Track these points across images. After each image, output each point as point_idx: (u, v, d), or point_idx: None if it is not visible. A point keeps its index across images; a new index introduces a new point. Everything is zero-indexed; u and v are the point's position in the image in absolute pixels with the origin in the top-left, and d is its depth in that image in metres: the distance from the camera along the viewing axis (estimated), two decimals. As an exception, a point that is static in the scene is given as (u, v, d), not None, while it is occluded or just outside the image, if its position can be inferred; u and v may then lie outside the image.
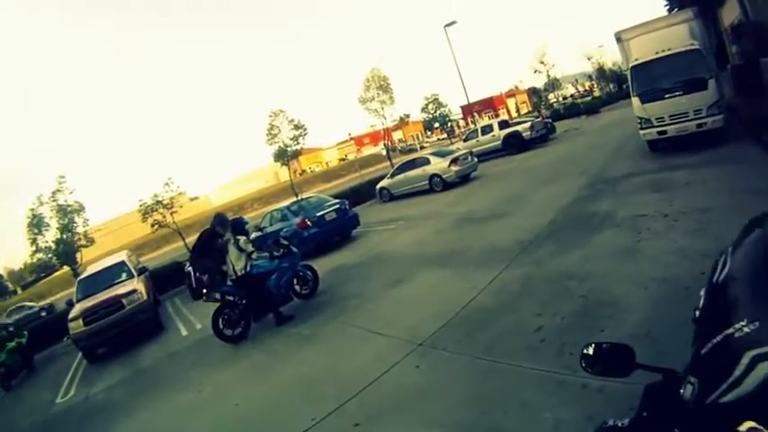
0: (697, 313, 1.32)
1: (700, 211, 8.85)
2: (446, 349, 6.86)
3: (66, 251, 26.55)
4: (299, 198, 20.52)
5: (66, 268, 30.03)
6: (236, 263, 10.66)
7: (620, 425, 1.56)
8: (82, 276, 17.99)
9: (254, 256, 11.04)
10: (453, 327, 7.54)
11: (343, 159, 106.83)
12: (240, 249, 10.69)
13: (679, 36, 15.49)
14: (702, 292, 1.31)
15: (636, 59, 15.62)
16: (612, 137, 23.76)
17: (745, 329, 1.00)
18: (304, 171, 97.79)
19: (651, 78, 14.91)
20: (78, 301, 15.63)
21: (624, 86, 41.91)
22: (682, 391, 1.25)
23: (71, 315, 14.49)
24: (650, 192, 11.36)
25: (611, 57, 73.65)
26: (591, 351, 1.59)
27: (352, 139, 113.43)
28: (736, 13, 21.12)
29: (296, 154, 37.60)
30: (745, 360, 0.97)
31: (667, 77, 14.52)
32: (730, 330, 1.04)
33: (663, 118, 14.55)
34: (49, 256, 27.77)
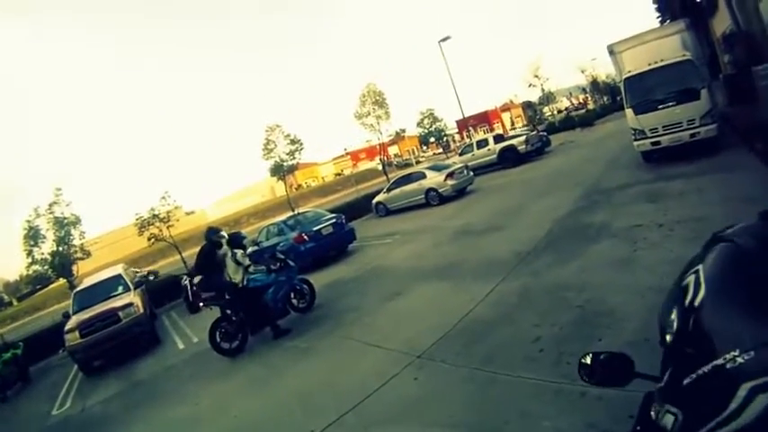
0: (668, 337, 1.27)
1: (695, 221, 8.87)
2: (444, 361, 6.86)
3: (63, 263, 26.52)
4: (296, 213, 20.52)
5: (61, 280, 30.00)
6: (233, 276, 10.68)
7: None
8: (78, 289, 17.89)
9: (251, 269, 11.06)
10: (451, 339, 7.54)
11: (339, 174, 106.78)
12: (237, 263, 10.71)
13: (671, 47, 15.59)
14: (673, 314, 1.26)
15: (629, 71, 15.71)
16: (607, 149, 23.86)
17: (739, 360, 0.97)
18: (300, 186, 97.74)
19: (644, 90, 15.01)
20: (74, 313, 15.56)
21: (618, 98, 42.05)
22: (657, 417, 1.23)
23: (67, 327, 14.42)
24: (645, 202, 11.40)
25: (605, 69, 73.76)
26: (588, 361, 1.58)
27: (348, 153, 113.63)
28: (728, 23, 21.20)
29: (292, 169, 37.61)
30: (743, 392, 0.93)
31: (660, 88, 14.62)
32: (720, 361, 1.00)
33: (656, 129, 14.62)
34: (45, 267, 27.72)
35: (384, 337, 8.60)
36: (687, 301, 1.17)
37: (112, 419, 9.64)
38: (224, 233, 11.09)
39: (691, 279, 1.22)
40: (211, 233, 10.87)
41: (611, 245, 9.32)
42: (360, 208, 30.37)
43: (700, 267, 1.21)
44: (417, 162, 72.95)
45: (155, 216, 25.03)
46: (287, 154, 35.64)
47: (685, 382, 1.08)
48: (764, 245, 1.13)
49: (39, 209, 26.32)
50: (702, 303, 1.12)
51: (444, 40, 41.47)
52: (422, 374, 6.73)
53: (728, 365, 0.97)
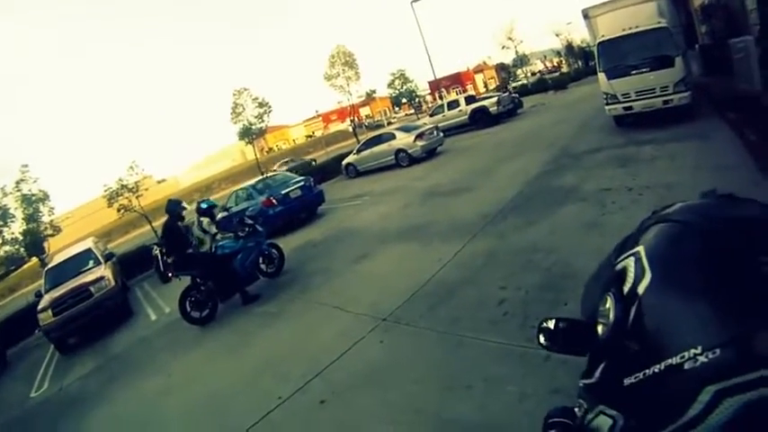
0: (601, 329, 1.14)
1: (664, 187, 8.86)
2: (409, 324, 6.89)
3: (34, 242, 26.27)
4: (264, 176, 20.41)
5: (34, 260, 29.71)
6: (200, 245, 10.60)
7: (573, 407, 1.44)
8: (49, 266, 17.72)
9: (218, 237, 10.98)
10: (417, 301, 7.57)
11: (310, 136, 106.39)
12: (204, 231, 10.63)
13: (647, 14, 15.52)
14: (608, 302, 1.10)
15: (603, 36, 15.63)
16: (579, 112, 23.84)
17: (701, 359, 0.84)
18: (271, 149, 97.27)
19: (618, 55, 14.94)
20: (47, 291, 15.43)
21: (591, 63, 42.05)
22: (586, 417, 1.12)
23: (40, 306, 14.30)
24: (616, 166, 11.40)
25: (580, 33, 73.74)
26: (552, 326, 1.47)
27: (319, 115, 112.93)
28: (707, -7, 21.23)
29: (261, 132, 37.46)
30: (705, 396, 0.82)
31: (634, 54, 14.54)
32: (676, 360, 0.89)
33: (629, 94, 14.58)
34: (16, 247, 27.44)
35: (351, 300, 8.63)
36: (627, 288, 1.03)
37: (89, 397, 9.58)
38: (185, 205, 10.95)
39: (629, 262, 1.07)
40: (172, 206, 10.70)
41: (579, 208, 9.33)
42: (330, 170, 30.49)
43: (640, 249, 1.07)
44: (389, 123, 72.81)
45: (123, 187, 24.80)
46: (255, 117, 35.48)
47: (627, 381, 0.95)
48: (723, 224, 0.99)
49: (5, 187, 25.99)
50: (648, 291, 0.96)
51: (417, 0, 41.16)
52: (387, 338, 6.76)
53: (687, 365, 0.84)
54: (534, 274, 7.00)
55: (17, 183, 25.95)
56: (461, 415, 4.66)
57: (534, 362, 4.81)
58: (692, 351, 0.84)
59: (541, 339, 1.42)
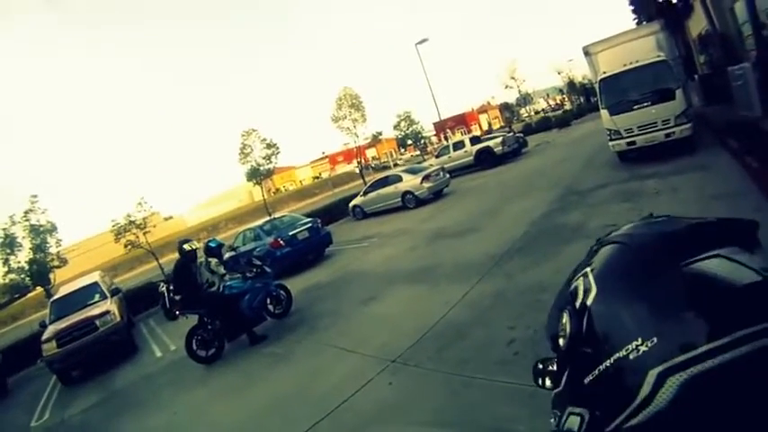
0: (562, 341, 1.24)
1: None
2: (418, 365, 6.85)
3: (39, 272, 26.27)
4: (272, 217, 20.46)
5: (39, 289, 29.73)
6: (210, 286, 10.64)
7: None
8: (55, 297, 17.74)
9: (226, 278, 11.00)
10: (426, 343, 7.53)
11: (317, 177, 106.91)
12: (212, 272, 10.66)
13: (646, 48, 15.70)
14: (564, 318, 1.23)
15: (604, 72, 15.76)
16: (583, 149, 23.93)
17: (642, 348, 0.94)
18: (278, 190, 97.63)
19: (619, 90, 15.03)
20: (51, 322, 15.43)
21: (593, 99, 42.30)
22: (560, 423, 1.20)
23: (44, 337, 14.32)
24: (620, 201, 11.44)
25: (581, 70, 74.35)
26: (555, 368, 1.54)
27: (325, 156, 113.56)
28: (703, 24, 21.46)
29: (269, 173, 37.58)
30: (651, 379, 0.91)
31: (635, 89, 14.63)
32: (622, 353, 0.99)
33: (631, 129, 14.65)
34: (22, 276, 27.47)
35: (359, 341, 8.59)
36: (579, 303, 1.14)
37: (91, 430, 9.59)
38: (196, 243, 10.99)
39: (579, 282, 1.19)
40: (183, 244, 10.74)
41: (585, 245, 9.08)
42: (337, 211, 30.44)
43: (587, 270, 1.18)
44: (395, 165, 73.06)
45: (131, 222, 24.88)
46: (263, 158, 35.62)
47: (587, 380, 1.07)
48: (650, 239, 1.12)
49: (14, 216, 26.09)
50: (595, 301, 1.10)
51: (421, 42, 41.64)
52: (396, 379, 6.72)
53: (632, 355, 0.97)
54: (542, 314, 6.86)
55: (26, 212, 26.04)
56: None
57: (544, 401, 4.76)
58: (634, 343, 0.96)
59: (547, 383, 1.48)
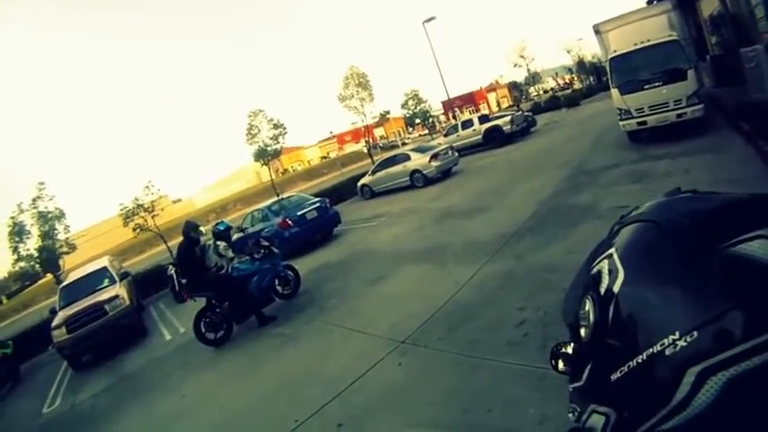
0: (583, 331, 1.10)
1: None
2: (428, 346, 6.83)
3: (49, 258, 26.39)
4: (280, 198, 20.43)
5: (49, 276, 29.84)
6: (218, 270, 10.61)
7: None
8: (64, 283, 17.81)
9: (234, 260, 10.98)
10: (435, 323, 7.50)
11: (325, 157, 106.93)
12: (220, 255, 10.62)
13: (657, 27, 15.52)
14: (587, 305, 1.12)
15: (614, 51, 15.61)
16: (593, 129, 23.79)
17: (680, 344, 0.85)
18: (286, 170, 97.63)
19: (630, 70, 14.89)
20: (61, 308, 15.48)
21: (604, 78, 41.99)
22: (581, 420, 1.12)
23: (54, 323, 14.36)
24: (631, 183, 11.35)
25: (591, 49, 73.97)
26: (570, 351, 1.46)
27: (333, 136, 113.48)
28: (715, 5, 21.19)
29: (276, 153, 37.54)
30: (690, 378, 0.83)
31: (646, 68, 14.50)
32: (657, 348, 0.89)
33: (642, 109, 14.53)
34: (32, 263, 27.59)
35: (368, 322, 8.58)
36: (603, 289, 1.04)
37: (101, 415, 9.59)
38: (202, 229, 10.97)
39: (603, 264, 1.08)
40: (188, 228, 10.70)
41: (595, 226, 9.21)
42: (345, 191, 30.49)
43: (612, 251, 1.08)
44: (403, 144, 72.91)
45: (139, 206, 24.87)
46: (270, 139, 35.59)
47: (614, 377, 0.98)
48: (685, 218, 1.01)
49: (22, 204, 26.17)
50: (623, 287, 1.00)
51: (429, 20, 41.43)
52: (405, 360, 6.70)
53: (668, 351, 0.87)
54: (552, 295, 6.90)
55: (33, 200, 26.13)
56: (481, 438, 4.62)
57: (555, 384, 4.72)
58: (671, 337, 0.87)
59: (559, 366, 1.40)
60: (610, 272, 1.05)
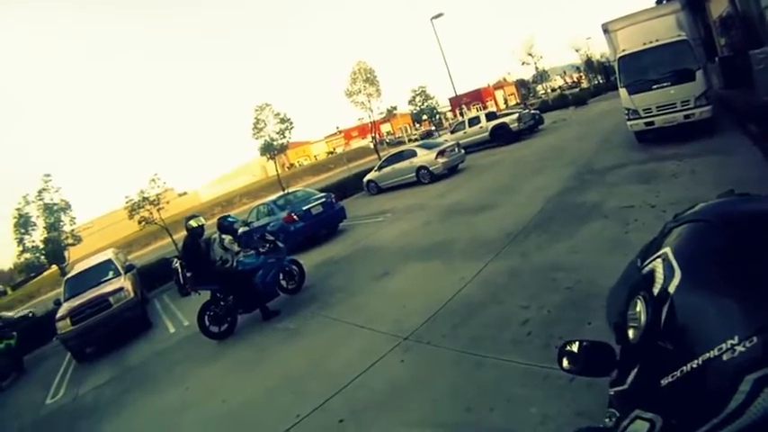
0: (632, 333, 1.10)
1: (688, 202, 8.66)
2: (431, 343, 6.82)
3: (54, 250, 26.47)
4: (286, 192, 20.43)
5: (54, 267, 29.93)
6: (223, 263, 10.62)
7: (600, 426, 1.40)
8: (69, 275, 17.84)
9: (240, 254, 10.99)
10: (439, 320, 7.50)
11: (332, 152, 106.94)
12: (225, 249, 10.63)
13: (666, 27, 15.48)
14: (638, 306, 1.08)
15: (623, 50, 15.57)
16: (600, 128, 23.75)
17: (739, 349, 0.82)
18: (292, 165, 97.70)
19: (638, 69, 14.84)
20: (66, 300, 15.51)
21: (612, 78, 41.88)
22: (620, 426, 1.10)
23: (59, 315, 14.38)
24: (638, 183, 11.31)
25: (599, 48, 73.78)
26: (575, 349, 1.44)
27: (340, 132, 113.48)
28: (725, 6, 21.12)
29: (283, 148, 37.59)
30: (746, 386, 0.79)
31: (655, 68, 14.44)
32: (714, 353, 0.86)
33: (650, 109, 14.48)
34: (37, 255, 27.66)
35: (372, 317, 8.59)
36: (658, 289, 1.01)
37: (104, 406, 9.62)
38: (202, 219, 10.95)
39: (656, 264, 1.05)
40: (186, 222, 10.68)
41: (602, 225, 9.24)
42: (351, 186, 30.48)
43: (666, 250, 1.05)
44: (410, 140, 72.89)
45: (144, 199, 24.89)
46: (277, 133, 35.63)
47: (664, 382, 0.94)
48: (745, 220, 0.99)
49: (28, 196, 26.25)
50: (679, 289, 0.97)
51: (437, 17, 41.27)
52: (408, 357, 6.70)
53: (725, 357, 0.84)
54: (557, 294, 6.92)
55: (39, 192, 26.24)
56: (482, 437, 4.61)
57: (558, 383, 4.74)
58: (729, 342, 0.84)
59: (564, 363, 1.39)
60: (665, 272, 1.02)
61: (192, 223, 10.56)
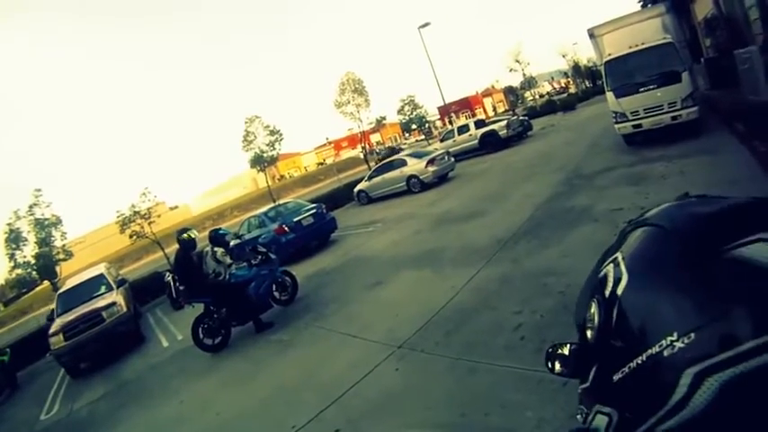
0: (590, 333, 1.15)
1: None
2: (425, 351, 6.82)
3: (46, 265, 26.41)
4: (276, 204, 20.43)
5: (46, 283, 29.86)
6: (216, 276, 10.62)
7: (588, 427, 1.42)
8: (61, 290, 17.77)
9: (232, 267, 10.99)
10: (432, 327, 7.50)
11: (322, 163, 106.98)
12: (218, 261, 10.63)
13: (652, 30, 15.56)
14: (593, 308, 1.14)
15: (609, 55, 15.65)
16: (589, 132, 23.86)
17: (678, 345, 0.85)
18: (282, 176, 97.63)
19: (625, 73, 14.92)
20: (58, 315, 15.44)
21: (599, 82, 42.09)
22: (587, 420, 1.13)
23: (51, 330, 14.35)
24: (627, 185, 11.36)
25: (586, 53, 74.17)
26: (566, 351, 1.47)
27: (330, 142, 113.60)
28: (710, 8, 21.30)
29: (273, 159, 37.66)
30: (686, 380, 0.83)
31: (641, 71, 14.53)
32: (655, 349, 0.90)
33: (638, 112, 14.56)
34: (28, 270, 27.60)
35: (365, 327, 8.58)
36: (608, 292, 1.04)
37: (98, 422, 9.60)
38: (194, 233, 10.94)
39: (609, 268, 1.09)
40: (178, 236, 10.67)
41: (592, 229, 9.27)
42: (342, 197, 30.47)
43: (618, 255, 1.09)
44: (400, 149, 73.07)
45: (135, 213, 24.85)
46: (267, 145, 35.73)
47: (616, 378, 0.98)
48: (688, 222, 1.02)
49: (18, 211, 26.17)
50: (626, 290, 1.00)
51: (424, 26, 41.39)
52: (403, 365, 6.70)
53: (666, 353, 0.87)
54: (549, 298, 6.94)
55: (30, 207, 26.22)
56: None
57: (552, 387, 4.76)
58: (669, 338, 0.87)
59: (556, 367, 1.42)
60: (615, 275, 1.05)
61: (184, 236, 10.55)
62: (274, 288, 11.63)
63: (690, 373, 0.83)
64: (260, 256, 11.15)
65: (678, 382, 0.85)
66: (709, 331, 0.84)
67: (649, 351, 0.90)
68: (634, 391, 0.96)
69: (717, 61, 21.10)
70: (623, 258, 1.07)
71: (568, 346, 1.39)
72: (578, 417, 1.20)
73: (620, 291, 1.02)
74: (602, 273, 1.13)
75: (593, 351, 1.10)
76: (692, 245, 0.95)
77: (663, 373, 0.88)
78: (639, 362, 0.92)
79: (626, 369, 0.96)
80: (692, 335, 0.85)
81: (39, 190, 26.56)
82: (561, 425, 4.22)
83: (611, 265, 1.10)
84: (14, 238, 26.20)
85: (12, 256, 26.47)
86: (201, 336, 10.55)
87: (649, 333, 0.92)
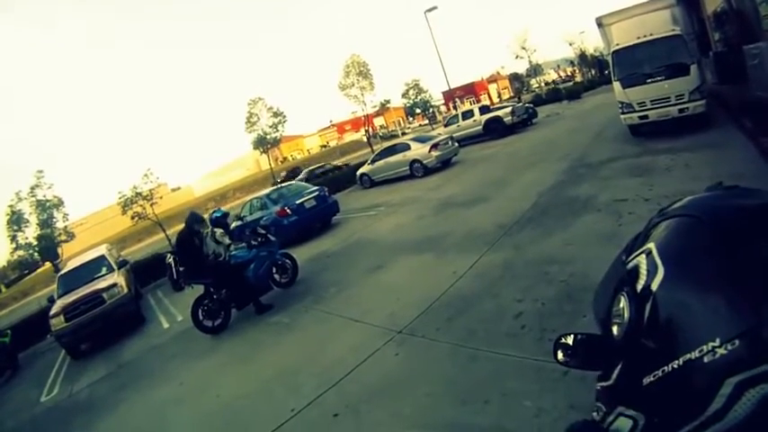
0: (616, 329, 1.04)
1: (682, 196, 8.74)
2: (425, 336, 6.81)
3: (47, 247, 26.42)
4: (279, 186, 20.40)
5: (48, 264, 29.90)
6: (216, 257, 10.60)
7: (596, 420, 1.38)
8: (62, 272, 17.80)
9: (231, 247, 10.96)
10: (433, 313, 7.50)
11: (325, 146, 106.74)
12: (217, 242, 10.61)
13: (661, 21, 15.44)
14: (622, 302, 1.03)
15: (617, 44, 15.54)
16: (594, 122, 23.77)
17: (720, 351, 0.80)
18: (285, 158, 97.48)
19: (633, 63, 14.83)
20: (59, 297, 15.45)
21: (606, 72, 41.84)
22: (605, 421, 1.07)
23: (52, 312, 14.35)
24: (631, 176, 11.32)
25: (593, 42, 73.91)
26: (570, 341, 1.43)
27: (333, 125, 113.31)
28: (719, 1, 21.11)
29: (276, 141, 37.61)
30: (727, 389, 0.77)
31: (649, 63, 14.44)
32: (695, 354, 0.85)
33: (644, 103, 14.49)
34: (30, 252, 27.62)
35: (366, 311, 8.58)
36: (641, 286, 0.99)
37: (99, 403, 9.60)
38: (205, 220, 10.95)
39: (640, 260, 1.03)
40: (193, 221, 10.66)
41: (595, 219, 9.25)
42: (345, 180, 30.52)
43: (651, 246, 1.03)
44: (403, 134, 72.81)
45: (137, 194, 24.83)
46: (270, 127, 35.67)
47: (646, 380, 0.93)
48: (727, 214, 0.97)
49: (20, 192, 26.16)
50: (662, 287, 0.95)
51: (430, 10, 41.26)
52: (402, 350, 6.69)
53: (706, 359, 0.82)
54: (551, 287, 6.92)
55: (32, 188, 26.21)
56: (476, 429, 4.60)
57: (552, 376, 4.73)
58: (711, 344, 0.82)
59: (559, 356, 1.38)
60: (648, 268, 1.00)
61: (196, 227, 10.53)
62: (274, 270, 11.62)
63: (731, 383, 0.79)
64: (260, 238, 11.15)
65: (717, 391, 0.81)
66: (754, 339, 0.79)
67: (687, 356, 0.86)
68: (667, 397, 0.91)
69: (725, 56, 20.92)
70: (657, 250, 1.01)
71: (573, 336, 1.36)
72: (594, 414, 1.16)
73: (654, 286, 0.97)
74: (631, 264, 1.08)
75: (618, 349, 1.05)
76: (737, 242, 0.90)
77: (701, 380, 0.84)
78: (675, 366, 0.88)
79: (659, 372, 0.91)
80: (736, 341, 0.80)
81: (41, 171, 26.57)
82: (560, 415, 4.21)
83: (643, 255, 1.04)
84: (16, 220, 26.21)
85: (13, 238, 26.48)
86: (201, 317, 10.55)
87: (688, 336, 0.87)
